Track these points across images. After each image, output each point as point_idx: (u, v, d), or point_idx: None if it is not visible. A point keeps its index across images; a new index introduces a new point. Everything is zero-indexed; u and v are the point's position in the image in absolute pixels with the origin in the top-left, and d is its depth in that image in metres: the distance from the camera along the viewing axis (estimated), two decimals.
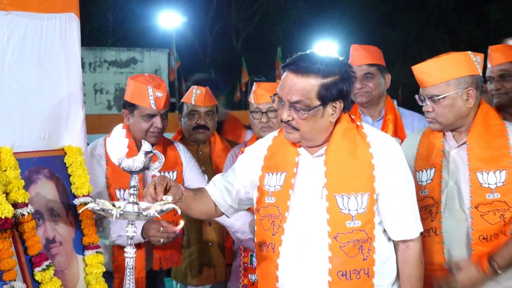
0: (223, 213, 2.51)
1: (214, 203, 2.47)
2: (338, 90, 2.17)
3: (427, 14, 33.26)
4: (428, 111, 2.62)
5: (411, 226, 2.26)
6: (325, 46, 26.75)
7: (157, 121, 3.05)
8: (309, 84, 2.15)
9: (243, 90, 26.89)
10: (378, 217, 2.22)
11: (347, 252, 2.14)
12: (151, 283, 3.24)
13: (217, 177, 2.52)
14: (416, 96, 2.69)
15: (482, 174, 2.55)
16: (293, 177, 2.25)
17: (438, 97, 2.56)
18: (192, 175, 3.35)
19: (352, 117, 2.30)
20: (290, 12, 33.95)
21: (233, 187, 2.44)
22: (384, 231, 2.25)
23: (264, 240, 2.28)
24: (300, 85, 2.15)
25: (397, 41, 30.20)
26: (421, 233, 2.36)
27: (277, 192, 2.27)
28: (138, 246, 3.02)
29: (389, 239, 2.27)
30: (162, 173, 3.15)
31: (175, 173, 3.27)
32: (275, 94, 2.26)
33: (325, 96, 2.15)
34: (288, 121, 2.20)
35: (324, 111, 2.18)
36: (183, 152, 3.37)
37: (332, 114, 2.20)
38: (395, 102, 3.65)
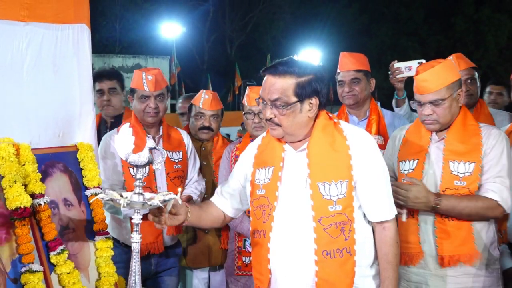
0: (232, 218, 2.55)
1: (223, 211, 2.50)
2: (313, 88, 2.20)
3: (400, 25, 33.29)
4: (429, 114, 2.64)
5: (386, 209, 2.28)
6: (310, 54, 26.75)
7: (151, 102, 3.19)
8: (286, 83, 2.18)
9: (236, 93, 26.85)
10: (357, 202, 2.24)
11: (330, 234, 2.15)
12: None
13: (220, 188, 2.55)
14: (411, 102, 2.76)
15: (454, 163, 2.61)
16: (280, 170, 2.26)
17: (442, 101, 2.60)
18: (190, 159, 3.44)
19: (330, 115, 2.32)
20: (278, 23, 33.91)
21: (234, 191, 2.47)
22: (364, 215, 2.27)
23: (256, 228, 2.30)
24: (278, 85, 2.19)
25: (374, 49, 30.20)
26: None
27: (266, 184, 2.28)
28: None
29: (368, 222, 2.29)
30: (169, 153, 3.27)
31: (180, 153, 3.36)
32: (259, 98, 2.29)
33: (301, 94, 2.18)
34: (271, 118, 2.23)
35: (301, 107, 2.20)
36: (186, 136, 3.47)
37: (309, 110, 2.22)
38: (378, 104, 3.67)
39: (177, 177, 3.30)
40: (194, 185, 3.42)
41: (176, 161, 3.33)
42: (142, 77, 3.16)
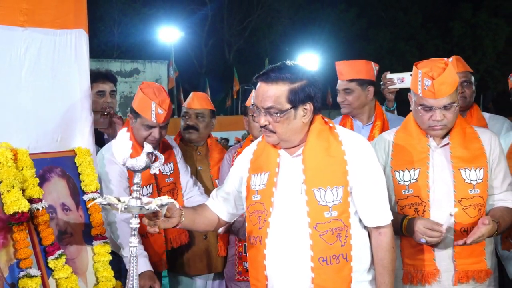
0: (227, 222, 2.53)
1: (217, 215, 2.48)
2: (306, 94, 2.18)
3: (398, 30, 33.38)
4: (441, 120, 2.45)
5: (382, 214, 2.26)
6: (308, 58, 26.79)
7: (155, 132, 3.00)
8: (279, 90, 2.16)
9: (234, 97, 26.85)
10: (353, 207, 2.23)
11: (326, 240, 2.14)
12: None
13: (215, 192, 2.53)
14: (420, 108, 2.48)
15: (465, 171, 2.49)
16: (275, 176, 2.25)
17: (453, 104, 2.44)
18: (180, 163, 3.34)
19: (326, 119, 2.30)
20: (277, 27, 34.01)
21: (229, 195, 2.45)
22: (360, 221, 2.26)
23: (252, 233, 2.29)
24: (271, 92, 2.17)
25: (372, 54, 30.23)
26: (407, 230, 2.42)
27: (262, 190, 2.27)
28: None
29: (364, 227, 2.27)
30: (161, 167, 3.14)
31: (171, 164, 3.24)
32: (253, 104, 2.27)
33: (294, 100, 2.16)
34: (266, 125, 2.21)
35: (295, 113, 2.19)
36: (171, 141, 3.36)
37: (304, 116, 2.20)
38: (383, 108, 3.66)
39: (169, 191, 3.17)
40: (198, 192, 3.27)
41: (168, 173, 3.20)
42: (151, 107, 2.91)
